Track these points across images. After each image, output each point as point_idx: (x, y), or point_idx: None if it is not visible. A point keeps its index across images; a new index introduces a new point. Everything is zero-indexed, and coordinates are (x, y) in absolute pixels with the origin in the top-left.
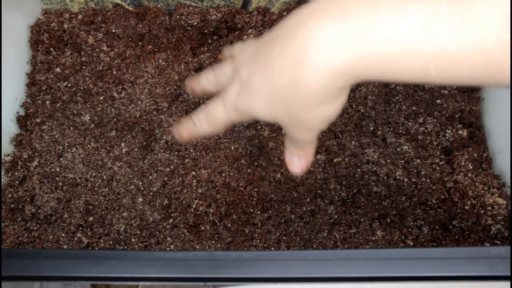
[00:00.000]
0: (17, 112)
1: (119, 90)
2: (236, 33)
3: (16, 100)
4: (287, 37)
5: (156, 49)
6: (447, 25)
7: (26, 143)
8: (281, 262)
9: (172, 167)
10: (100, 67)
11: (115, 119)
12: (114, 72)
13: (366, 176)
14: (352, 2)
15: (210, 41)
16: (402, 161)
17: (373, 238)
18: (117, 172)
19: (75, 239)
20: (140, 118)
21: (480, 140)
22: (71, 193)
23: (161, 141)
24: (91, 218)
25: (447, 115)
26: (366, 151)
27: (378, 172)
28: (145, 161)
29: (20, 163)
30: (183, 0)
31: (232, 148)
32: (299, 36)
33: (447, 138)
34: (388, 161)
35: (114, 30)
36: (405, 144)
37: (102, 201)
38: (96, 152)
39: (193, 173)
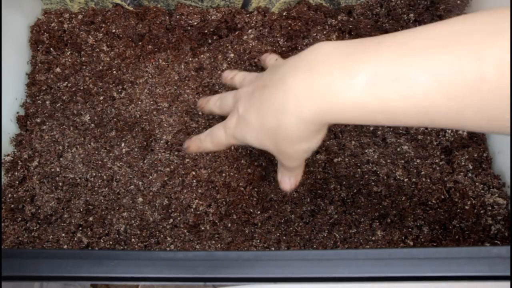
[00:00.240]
0: (17, 112)
1: (119, 90)
2: (236, 33)
3: (16, 100)
4: (273, 88)
5: (156, 49)
6: (384, 85)
7: (26, 143)
8: (281, 262)
9: (172, 167)
10: (100, 67)
11: (115, 119)
12: (114, 72)
13: (366, 176)
14: (318, 62)
15: (210, 41)
16: (402, 161)
17: (373, 238)
18: (117, 172)
19: (75, 239)
20: (140, 118)
21: (480, 140)
22: (71, 193)
23: (161, 141)
24: (91, 218)
25: None
26: (366, 151)
27: (378, 172)
28: (145, 161)
29: (20, 163)
30: (183, 0)
31: (232, 148)
32: (280, 89)
33: (447, 138)
34: (388, 161)
35: (114, 30)
36: (405, 144)
37: (102, 201)
38: (96, 152)
39: (193, 173)
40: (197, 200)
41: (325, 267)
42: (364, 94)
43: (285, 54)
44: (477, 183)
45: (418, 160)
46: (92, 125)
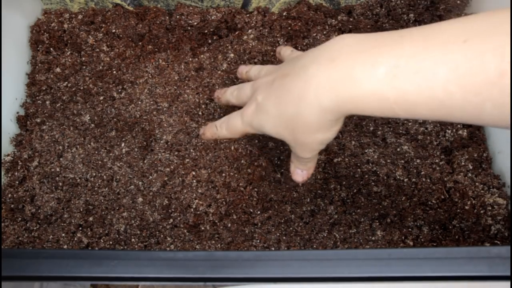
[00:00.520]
0: (17, 112)
1: (119, 90)
2: (236, 33)
3: (16, 100)
4: (295, 76)
5: (156, 49)
6: (404, 76)
7: (26, 143)
8: (281, 262)
9: (172, 167)
10: (100, 67)
11: (115, 119)
12: (114, 72)
13: (366, 176)
14: (341, 53)
15: (210, 41)
16: (402, 161)
17: (373, 238)
18: (117, 172)
19: (75, 239)
20: (140, 118)
21: (480, 140)
22: (71, 193)
23: (161, 141)
24: (91, 218)
25: None
26: (366, 151)
27: (378, 172)
28: (145, 161)
29: (20, 163)
30: (183, 0)
31: (232, 148)
32: (301, 78)
33: (447, 138)
34: (388, 161)
35: (114, 30)
36: (405, 144)
37: (102, 201)
38: (96, 152)
39: (193, 173)
40: (197, 200)
41: (325, 267)
42: (384, 84)
43: None
44: (477, 183)
45: (418, 160)
46: (92, 125)
